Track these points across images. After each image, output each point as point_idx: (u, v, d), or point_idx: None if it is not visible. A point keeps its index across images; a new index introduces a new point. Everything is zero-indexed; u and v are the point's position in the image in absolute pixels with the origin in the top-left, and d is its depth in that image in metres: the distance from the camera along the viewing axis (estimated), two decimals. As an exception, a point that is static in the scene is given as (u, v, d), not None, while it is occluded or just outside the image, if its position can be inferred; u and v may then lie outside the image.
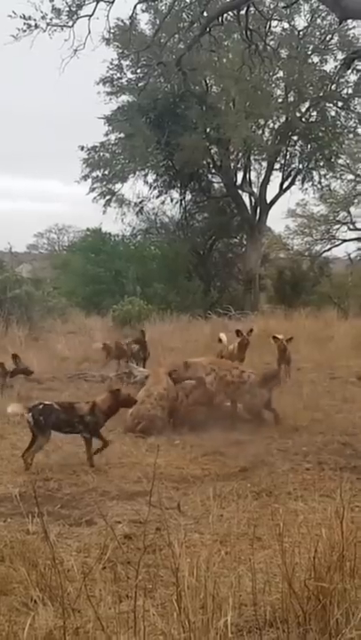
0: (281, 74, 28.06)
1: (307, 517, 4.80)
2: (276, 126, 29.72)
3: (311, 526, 4.36)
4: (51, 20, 13.93)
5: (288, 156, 30.37)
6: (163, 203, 31.06)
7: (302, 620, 3.35)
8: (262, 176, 30.25)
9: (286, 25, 25.56)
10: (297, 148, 30.52)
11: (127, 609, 3.39)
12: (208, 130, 28.20)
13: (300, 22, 26.48)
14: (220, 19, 14.00)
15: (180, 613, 3.21)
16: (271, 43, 19.56)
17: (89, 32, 14.01)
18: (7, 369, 10.81)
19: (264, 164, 30.37)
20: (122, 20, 23.60)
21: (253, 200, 30.13)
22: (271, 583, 3.69)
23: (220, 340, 11.84)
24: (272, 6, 21.85)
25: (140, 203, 30.73)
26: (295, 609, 3.38)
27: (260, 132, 29.61)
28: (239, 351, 11.06)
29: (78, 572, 3.94)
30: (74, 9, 13.81)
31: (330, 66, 28.04)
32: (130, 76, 28.67)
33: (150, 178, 30.19)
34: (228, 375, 8.96)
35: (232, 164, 30.42)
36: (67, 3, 13.85)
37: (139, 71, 28.12)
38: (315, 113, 29.66)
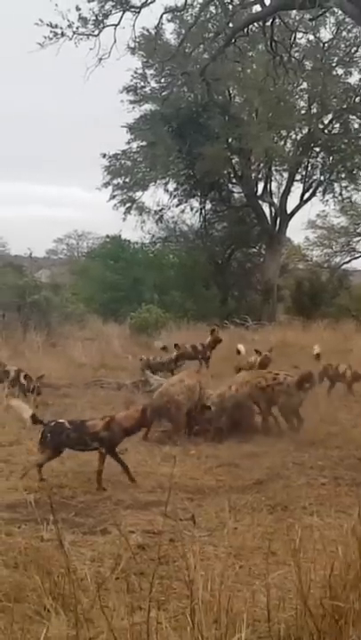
0: (305, 85, 28.11)
1: (322, 533, 4.75)
2: (298, 137, 29.74)
3: (327, 542, 4.31)
4: (77, 28, 14.11)
5: (310, 168, 30.40)
6: (183, 211, 31.20)
7: (316, 639, 3.31)
8: (283, 187, 30.31)
9: (311, 37, 25.59)
10: (319, 159, 30.52)
11: (140, 620, 3.36)
12: (230, 140, 28.26)
13: (326, 34, 26.51)
14: (245, 30, 14.08)
15: (193, 627, 3.18)
16: (296, 54, 19.63)
17: (115, 41, 14.17)
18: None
19: (285, 174, 30.39)
20: (147, 30, 23.91)
21: (274, 210, 30.11)
22: (286, 599, 3.64)
23: (238, 352, 11.81)
24: (298, 18, 21.80)
25: (160, 211, 30.89)
26: (310, 627, 3.34)
27: (283, 142, 29.65)
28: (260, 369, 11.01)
29: (92, 582, 3.93)
30: (100, 18, 13.97)
31: (354, 78, 28.13)
32: (154, 85, 28.89)
33: (171, 186, 30.35)
34: (262, 381, 8.99)
35: (253, 175, 30.45)
36: (93, 12, 14.02)
37: (163, 80, 28.28)
38: (338, 125, 29.65)
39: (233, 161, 29.80)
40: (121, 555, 4.29)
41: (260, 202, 30.20)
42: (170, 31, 27.08)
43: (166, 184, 30.23)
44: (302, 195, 30.21)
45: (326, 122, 29.47)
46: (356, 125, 29.51)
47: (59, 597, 3.72)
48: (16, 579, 4.01)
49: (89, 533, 5.10)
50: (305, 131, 29.33)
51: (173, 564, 4.30)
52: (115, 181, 29.79)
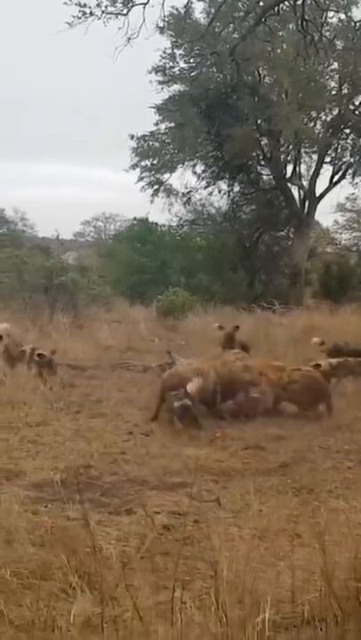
0: (336, 65, 27.69)
1: (348, 517, 4.74)
2: (328, 119, 29.34)
3: (352, 526, 4.30)
4: (106, 7, 14.00)
5: (339, 150, 29.99)
6: (210, 194, 31.02)
7: (341, 620, 3.31)
8: (312, 169, 29.96)
9: (343, 16, 25.11)
10: (349, 141, 30.10)
11: (165, 600, 3.39)
12: (259, 121, 28.00)
13: (358, 13, 26.22)
14: (276, 9, 13.89)
15: (217, 607, 3.20)
16: (327, 34, 19.31)
17: (143, 20, 14.04)
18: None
19: (315, 156, 30.04)
20: (177, 9, 23.67)
21: (302, 193, 29.84)
22: (310, 581, 3.64)
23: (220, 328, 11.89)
24: (329, -3, 21.50)
25: (188, 193, 30.76)
26: (334, 608, 3.34)
27: (312, 124, 29.30)
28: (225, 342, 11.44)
29: (117, 561, 3.96)
30: (129, -4, 13.83)
31: (386, 58, 27.54)
32: (182, 65, 28.64)
33: (199, 168, 30.17)
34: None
35: (282, 157, 30.16)
36: (122, -9, 13.89)
37: (192, 61, 28.03)
38: (368, 106, 29.20)
39: (262, 143, 29.54)
40: (146, 535, 4.32)
41: (289, 184, 29.93)
42: (199, 10, 26.80)
43: (194, 166, 30.09)
44: (332, 177, 29.87)
45: (357, 103, 29.03)
46: (387, 106, 29.07)
47: (84, 576, 3.76)
48: (42, 557, 4.06)
49: (114, 513, 5.13)
50: (335, 112, 28.94)
51: (198, 545, 4.32)
52: (142, 163, 29.72)
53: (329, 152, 29.76)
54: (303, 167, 30.32)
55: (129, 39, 14.13)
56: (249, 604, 3.24)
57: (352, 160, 29.93)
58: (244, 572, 3.43)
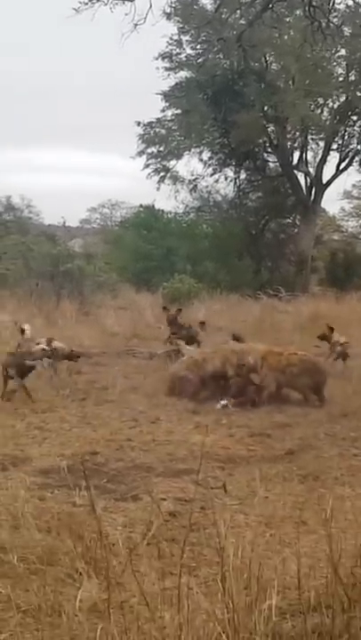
0: (343, 52, 27.52)
1: (354, 504, 4.76)
2: (335, 106, 29.19)
3: (358, 512, 4.31)
4: (113, -8, 13.84)
5: (346, 137, 29.84)
6: (217, 181, 30.92)
7: (347, 607, 3.31)
8: (319, 156, 29.83)
9: (351, 2, 24.89)
10: (356, 128, 29.95)
11: (171, 586, 3.40)
12: (266, 108, 27.85)
13: (366, -1, 25.82)
14: (283, -6, 13.75)
15: (223, 593, 3.20)
16: (335, 20, 19.10)
17: (150, 6, 13.89)
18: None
19: (321, 143, 29.90)
20: (184, -5, 23.51)
21: (309, 180, 29.72)
22: (316, 568, 3.65)
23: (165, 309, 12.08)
24: (337, -18, 21.29)
25: (194, 180, 30.67)
26: (340, 595, 3.34)
27: (319, 111, 29.17)
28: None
29: (123, 547, 3.97)
30: (136, -18, 13.69)
31: (394, 45, 27.32)
32: (189, 51, 28.47)
33: (205, 155, 30.07)
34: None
35: (289, 144, 30.03)
36: (129, -24, 13.75)
37: (198, 47, 27.88)
38: (376, 93, 29.00)
39: (268, 129, 29.40)
40: (152, 521, 4.33)
41: (296, 171, 29.80)
42: (206, -4, 26.64)
43: (201, 153, 29.99)
44: (338, 164, 29.73)
45: (364, 89, 28.87)
46: (395, 93, 28.86)
47: (91, 561, 3.78)
48: (49, 542, 4.08)
49: (121, 500, 5.15)
50: (342, 99, 28.78)
51: (204, 532, 4.32)
52: (149, 150, 29.63)
53: (336, 139, 29.61)
54: (310, 154, 30.24)
55: (135, 25, 14.01)
56: (255, 590, 3.24)
57: (359, 147, 29.79)
58: (250, 558, 3.43)
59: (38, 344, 10.25)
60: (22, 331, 10.59)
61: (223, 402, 8.43)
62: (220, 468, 5.99)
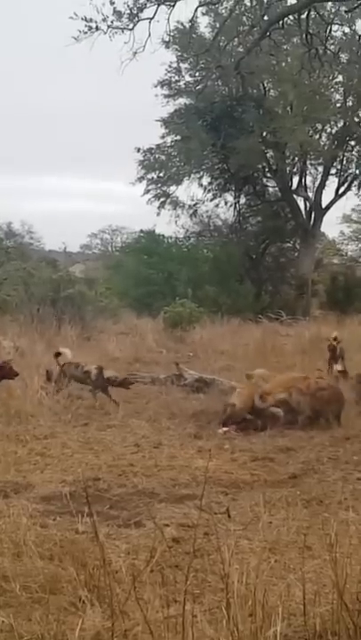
0: (340, 78, 27.86)
1: (358, 528, 4.71)
2: (333, 131, 29.48)
3: (363, 538, 4.28)
4: (112, 22, 14.06)
5: (345, 161, 30.13)
6: (217, 206, 31.16)
7: (353, 634, 3.28)
8: (318, 181, 30.09)
9: (347, 29, 25.29)
10: (354, 153, 30.25)
11: (175, 613, 3.36)
12: (264, 133, 28.10)
13: (362, 27, 26.16)
14: (280, 22, 13.95)
15: (228, 621, 3.17)
16: (331, 47, 19.40)
17: (149, 35, 14.10)
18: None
19: (320, 168, 30.16)
20: (182, 24, 23.84)
21: (308, 205, 29.90)
22: (321, 594, 3.61)
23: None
24: (333, 10, 21.61)
25: (194, 205, 30.89)
26: (346, 622, 3.31)
27: (318, 136, 29.44)
28: None
29: (126, 574, 3.93)
30: (135, 12, 13.91)
31: (391, 71, 27.64)
32: (188, 78, 28.86)
33: (205, 181, 30.33)
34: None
35: (288, 169, 30.27)
36: (128, 5, 13.97)
37: (197, 74, 28.21)
38: (373, 118, 29.30)
39: (268, 155, 29.65)
40: (156, 547, 4.28)
41: (295, 196, 30.01)
42: (204, 24, 26.99)
43: (200, 178, 30.24)
44: (337, 189, 29.97)
45: (362, 115, 29.17)
46: (392, 118, 29.14)
47: (94, 589, 3.74)
48: (51, 570, 4.04)
49: (124, 526, 5.11)
50: (340, 124, 29.08)
51: (208, 558, 4.29)
52: (149, 176, 29.84)
53: (334, 164, 29.88)
54: (309, 179, 30.51)
55: (135, 53, 14.21)
56: (260, 617, 3.21)
57: (358, 172, 30.07)
58: (254, 584, 3.40)
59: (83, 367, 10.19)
60: (57, 355, 10.45)
61: (225, 428, 8.40)
62: (224, 493, 5.95)
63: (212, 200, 30.85)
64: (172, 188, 30.17)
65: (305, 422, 8.64)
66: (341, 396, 9.07)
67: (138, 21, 14.12)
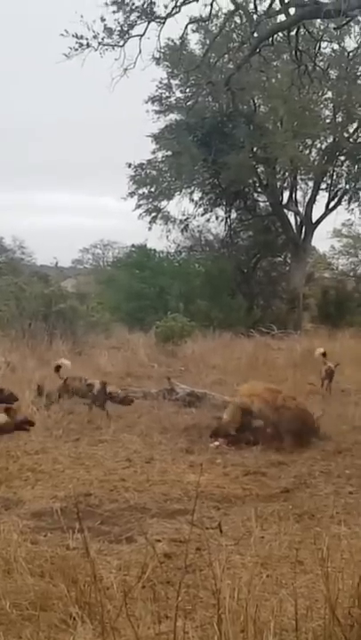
0: (330, 94, 28.03)
1: (350, 542, 4.70)
2: (323, 146, 29.67)
3: (355, 551, 4.27)
4: (102, 39, 14.13)
5: (335, 176, 30.30)
6: (208, 220, 31.25)
7: (345, 649, 3.27)
8: (308, 195, 30.25)
9: (336, 46, 25.49)
10: (344, 168, 30.42)
11: (167, 630, 3.35)
12: (255, 149, 28.25)
13: (351, 43, 26.35)
14: (270, 39, 14.05)
15: (220, 637, 3.16)
16: (321, 63, 19.54)
17: (140, 51, 14.17)
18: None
19: (311, 183, 30.32)
20: (172, 40, 23.97)
21: (299, 219, 30.04)
22: (313, 609, 3.60)
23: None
24: (322, 27, 21.79)
25: (186, 220, 30.96)
26: (338, 637, 3.30)
27: (308, 151, 29.60)
28: None
29: (118, 591, 3.91)
30: (125, 29, 13.99)
31: (379, 87, 27.88)
32: (179, 94, 28.97)
33: (196, 196, 30.42)
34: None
35: (278, 183, 30.41)
36: (119, 23, 14.05)
37: (188, 90, 28.35)
38: (363, 133, 29.51)
39: (258, 170, 29.79)
40: (147, 563, 4.27)
41: (286, 211, 30.15)
42: (195, 41, 27.17)
43: (191, 193, 30.33)
44: (328, 203, 30.13)
45: (351, 130, 29.36)
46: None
47: (85, 606, 3.72)
48: (42, 587, 4.01)
49: (115, 542, 5.08)
50: (330, 139, 29.25)
51: (200, 573, 4.27)
52: (140, 191, 29.92)
53: (325, 179, 30.05)
54: (299, 194, 30.66)
55: (125, 70, 14.27)
56: (252, 632, 3.20)
57: (347, 187, 30.24)
58: (246, 600, 3.39)
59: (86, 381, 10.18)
60: (58, 368, 10.41)
61: (216, 442, 8.39)
62: (216, 508, 5.93)
63: (203, 215, 30.99)
64: (164, 202, 30.27)
65: (259, 433, 8.51)
66: (307, 421, 8.68)
67: (128, 38, 14.20)
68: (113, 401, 9.94)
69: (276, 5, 13.43)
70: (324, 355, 12.33)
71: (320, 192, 30.01)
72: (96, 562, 4.20)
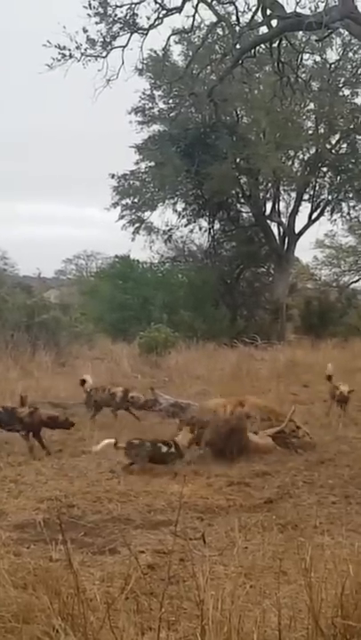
0: (312, 106, 28.27)
1: (333, 552, 4.70)
2: (305, 157, 29.88)
3: (338, 561, 4.26)
4: (85, 50, 14.19)
5: (317, 187, 30.50)
6: (191, 231, 31.34)
7: (329, 659, 3.27)
8: (291, 206, 30.43)
9: (318, 58, 25.74)
10: (326, 179, 30.63)
11: (150, 641, 3.33)
12: (238, 160, 28.40)
13: (332, 55, 26.69)
14: (252, 51, 14.17)
15: (204, 648, 3.15)
16: (303, 75, 19.71)
17: (123, 62, 14.24)
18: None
19: (293, 194, 30.52)
20: (155, 52, 24.19)
21: (282, 230, 30.19)
22: (297, 619, 3.60)
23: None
24: (304, 39, 22.00)
25: (169, 231, 31.04)
26: (321, 647, 3.30)
27: (290, 162, 29.79)
28: None
29: (101, 602, 3.89)
30: (108, 40, 14.06)
31: (361, 99, 28.18)
32: (162, 105, 29.13)
33: (179, 206, 30.53)
34: None
35: (261, 194, 30.57)
36: (101, 34, 14.12)
37: (170, 101, 28.53)
38: (345, 145, 29.80)
39: (241, 181, 29.93)
40: (130, 575, 4.24)
41: (269, 221, 30.29)
42: (177, 53, 27.37)
43: (175, 204, 30.42)
44: (310, 214, 30.32)
45: (334, 142, 29.62)
46: (363, 145, 29.63)
47: (68, 618, 3.69)
48: (25, 599, 3.97)
49: (98, 553, 5.06)
50: (312, 151, 29.47)
51: (183, 584, 4.26)
52: (123, 202, 29.95)
53: (307, 190, 30.25)
54: (282, 205, 30.85)
55: (108, 81, 14.33)
56: (236, 643, 3.19)
57: (330, 198, 30.45)
58: (230, 610, 3.38)
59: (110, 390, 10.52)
60: (83, 382, 10.97)
61: (200, 450, 8.37)
62: (199, 519, 5.92)
63: (186, 225, 31.08)
64: (147, 213, 30.33)
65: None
66: (234, 437, 8.36)
67: (111, 49, 14.28)
68: (133, 406, 10.39)
69: (259, 18, 13.56)
70: (329, 378, 11.47)
71: (303, 203, 30.25)
72: (79, 573, 4.17)
